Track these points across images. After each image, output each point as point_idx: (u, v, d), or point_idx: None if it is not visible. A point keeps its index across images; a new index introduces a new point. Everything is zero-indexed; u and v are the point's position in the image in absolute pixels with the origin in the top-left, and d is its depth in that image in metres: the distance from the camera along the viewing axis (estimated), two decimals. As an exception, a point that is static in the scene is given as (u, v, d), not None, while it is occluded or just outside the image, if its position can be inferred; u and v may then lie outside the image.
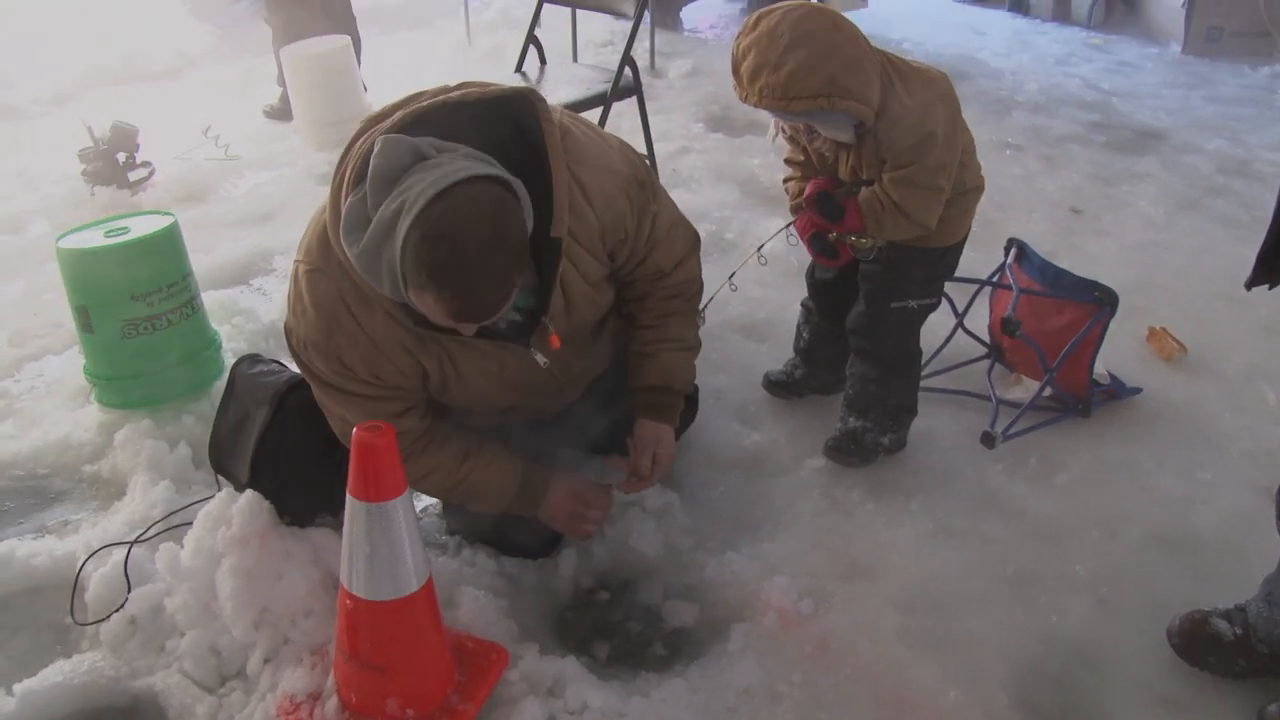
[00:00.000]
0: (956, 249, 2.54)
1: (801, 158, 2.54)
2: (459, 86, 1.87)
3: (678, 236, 2.24)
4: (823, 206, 2.43)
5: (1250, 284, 1.76)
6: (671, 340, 2.29)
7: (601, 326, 2.26)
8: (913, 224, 2.34)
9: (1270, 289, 1.77)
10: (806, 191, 2.46)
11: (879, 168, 2.32)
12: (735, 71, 2.21)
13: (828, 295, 2.76)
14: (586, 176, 1.95)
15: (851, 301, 2.61)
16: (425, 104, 1.81)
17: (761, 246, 2.73)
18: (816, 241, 2.52)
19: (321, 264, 1.89)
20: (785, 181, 2.62)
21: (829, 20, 2.16)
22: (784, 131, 2.47)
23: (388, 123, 1.76)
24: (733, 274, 2.73)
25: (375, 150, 1.67)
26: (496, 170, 1.72)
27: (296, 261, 1.96)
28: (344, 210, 1.72)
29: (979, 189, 2.49)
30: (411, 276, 1.66)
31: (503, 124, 1.85)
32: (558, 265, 1.92)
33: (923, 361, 2.73)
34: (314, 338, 1.92)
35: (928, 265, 2.49)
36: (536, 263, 1.90)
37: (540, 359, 2.08)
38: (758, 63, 2.14)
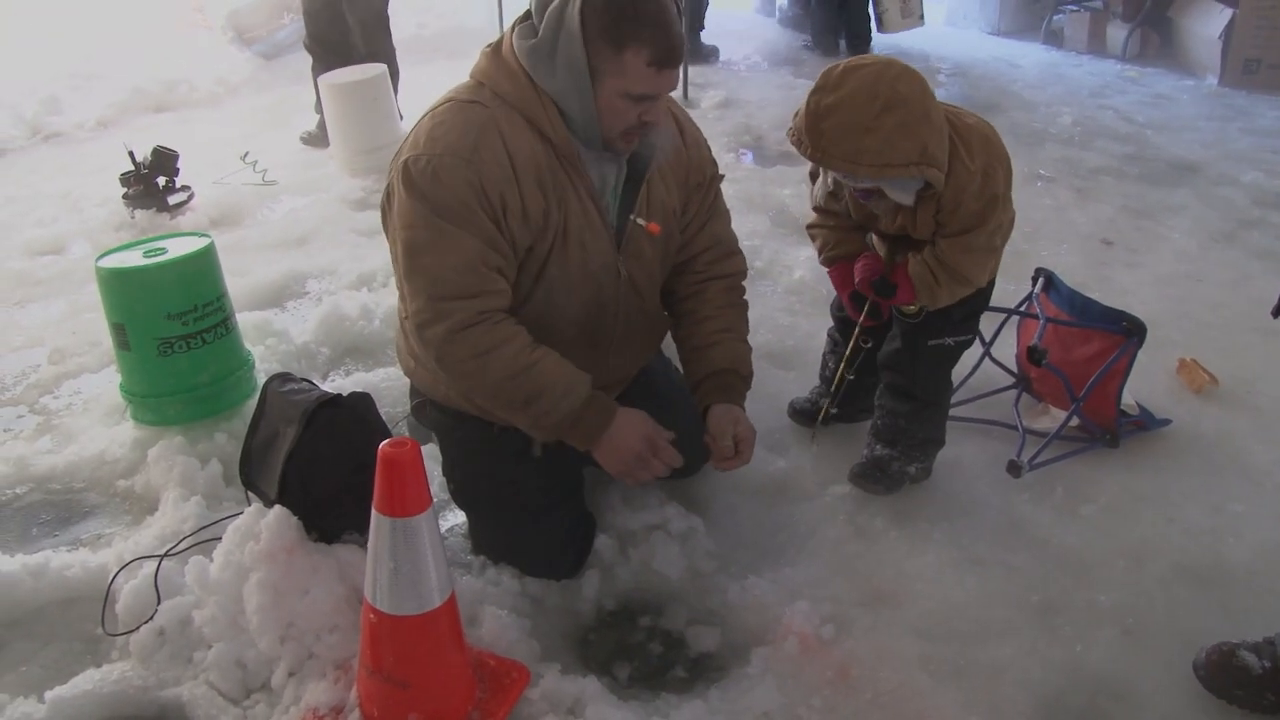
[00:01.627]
0: (992, 284, 2.52)
1: (836, 207, 2.48)
2: None
3: (728, 219, 2.43)
4: (880, 289, 2.40)
5: (1277, 312, 1.76)
6: (734, 330, 2.36)
7: (656, 296, 2.37)
8: (968, 287, 2.34)
9: (1297, 318, 1.77)
10: (858, 278, 2.43)
11: (932, 229, 2.29)
12: (812, 129, 2.10)
13: (853, 327, 2.70)
14: (683, 120, 2.25)
15: (885, 331, 2.60)
16: None
17: (826, 409, 2.72)
18: (858, 300, 2.50)
19: (474, 97, 2.01)
20: (812, 229, 2.59)
21: (920, 83, 2.10)
22: (829, 185, 2.41)
23: None
24: (814, 434, 2.81)
25: None
26: None
27: (434, 108, 2.05)
28: (515, 31, 1.97)
29: (1013, 219, 2.44)
30: (607, 40, 1.84)
31: None
32: (651, 162, 2.13)
33: (952, 390, 2.72)
34: (457, 147, 1.94)
35: (966, 302, 2.45)
36: (631, 168, 2.13)
37: (622, 269, 2.18)
38: (848, 124, 2.05)
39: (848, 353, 2.58)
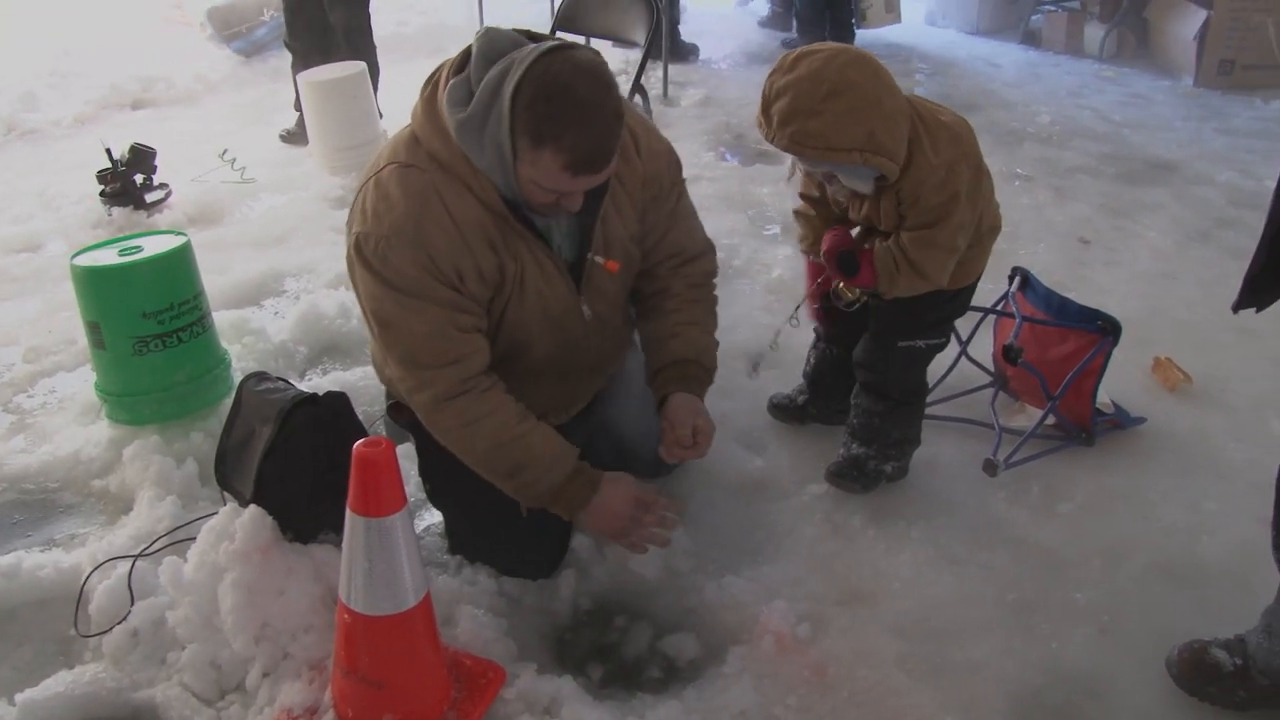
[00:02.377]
0: (970, 289, 2.51)
1: (817, 194, 2.50)
2: None
3: (697, 227, 2.36)
4: (842, 261, 2.38)
5: (1237, 307, 1.77)
6: (698, 322, 2.34)
7: (624, 313, 2.36)
8: (927, 283, 2.31)
9: (1258, 312, 1.78)
10: (825, 245, 2.41)
11: (896, 221, 2.28)
12: (765, 110, 2.13)
13: (836, 324, 2.74)
14: (638, 129, 2.14)
15: (862, 331, 2.59)
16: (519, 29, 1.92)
17: (797, 308, 2.73)
18: (823, 283, 2.56)
19: (411, 159, 1.94)
20: (797, 214, 2.60)
21: (872, 70, 2.08)
22: (799, 171, 2.40)
23: (482, 29, 1.89)
24: (775, 339, 2.79)
25: (479, 35, 1.82)
26: None
27: (374, 174, 1.97)
28: (446, 91, 1.84)
29: (996, 229, 2.44)
30: (527, 133, 1.75)
31: None
32: (603, 197, 2.06)
33: (928, 389, 2.72)
34: (402, 227, 1.90)
35: (939, 307, 2.45)
36: (584, 199, 1.99)
37: (586, 310, 2.16)
38: (793, 107, 2.06)
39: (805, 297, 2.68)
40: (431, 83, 1.95)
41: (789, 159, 2.34)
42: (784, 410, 2.95)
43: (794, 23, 7.41)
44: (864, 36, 7.30)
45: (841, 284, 2.44)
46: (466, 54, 1.87)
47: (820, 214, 2.53)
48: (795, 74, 2.06)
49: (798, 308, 2.70)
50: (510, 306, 2.07)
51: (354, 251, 1.96)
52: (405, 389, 2.06)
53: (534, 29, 1.97)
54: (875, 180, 2.19)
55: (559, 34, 4.20)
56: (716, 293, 2.44)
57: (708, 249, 2.40)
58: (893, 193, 2.22)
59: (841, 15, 7.10)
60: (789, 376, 3.03)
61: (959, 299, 2.50)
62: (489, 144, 1.80)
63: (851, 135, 2.04)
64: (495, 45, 1.81)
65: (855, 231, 2.43)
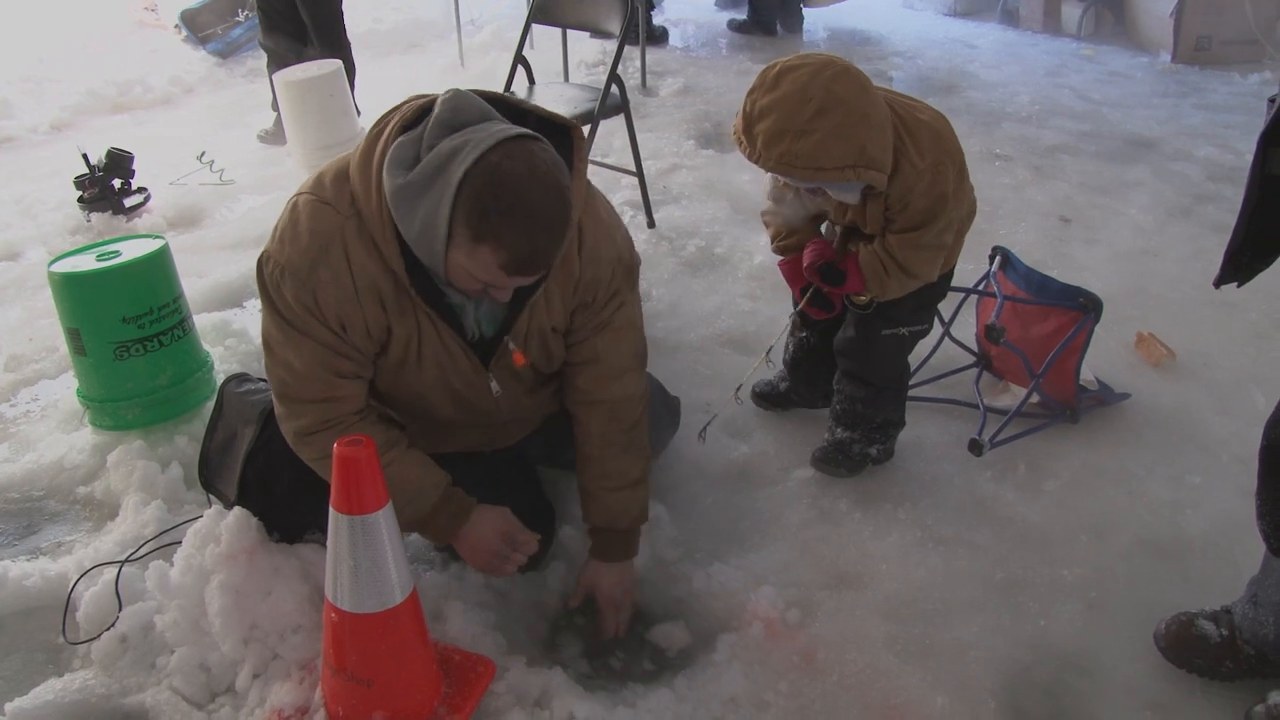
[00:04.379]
0: (950, 273, 2.51)
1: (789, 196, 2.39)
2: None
3: (629, 340, 2.14)
4: (826, 275, 2.37)
5: (1219, 282, 1.78)
6: (610, 476, 2.19)
7: (549, 387, 2.25)
8: (917, 281, 2.31)
9: (1239, 286, 1.79)
10: (806, 260, 2.40)
11: (883, 224, 2.26)
12: (748, 130, 2.06)
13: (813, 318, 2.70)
14: (589, 229, 1.96)
15: (839, 319, 2.58)
16: (493, 94, 1.83)
17: (769, 350, 2.73)
18: (814, 296, 2.50)
19: (332, 199, 1.84)
20: (765, 215, 2.49)
21: (858, 84, 2.03)
22: (777, 182, 2.28)
23: (451, 91, 1.77)
24: (739, 387, 2.78)
25: (444, 97, 1.71)
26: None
27: (298, 195, 1.89)
28: (393, 147, 1.72)
29: (972, 213, 2.43)
30: (468, 225, 1.65)
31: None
32: (536, 289, 1.93)
33: (910, 373, 2.72)
34: (296, 264, 1.83)
35: (921, 293, 2.42)
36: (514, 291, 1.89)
37: (495, 387, 2.09)
38: (779, 127, 1.99)
39: (788, 328, 2.66)
40: (379, 125, 1.82)
41: (768, 179, 2.28)
42: (767, 398, 2.94)
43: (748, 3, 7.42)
44: (839, 24, 7.30)
45: (848, 294, 2.42)
46: (424, 109, 1.76)
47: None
48: (779, 91, 2.00)
49: (759, 366, 2.68)
50: (408, 372, 2.02)
51: (256, 268, 1.92)
52: (277, 414, 2.04)
53: (504, 93, 1.88)
54: (862, 190, 2.16)
55: (534, 26, 4.22)
56: (638, 415, 2.22)
57: (631, 367, 2.17)
58: (880, 199, 2.19)
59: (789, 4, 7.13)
60: (744, 432, 2.94)
61: (940, 284, 2.48)
62: (422, 219, 1.70)
63: (842, 153, 1.99)
64: (460, 114, 1.71)
65: (825, 228, 2.42)
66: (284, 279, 1.85)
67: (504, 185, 1.63)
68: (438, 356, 2.00)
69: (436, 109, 1.71)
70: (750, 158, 2.08)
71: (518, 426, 2.32)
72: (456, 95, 1.72)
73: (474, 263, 1.71)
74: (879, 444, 2.65)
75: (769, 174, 2.26)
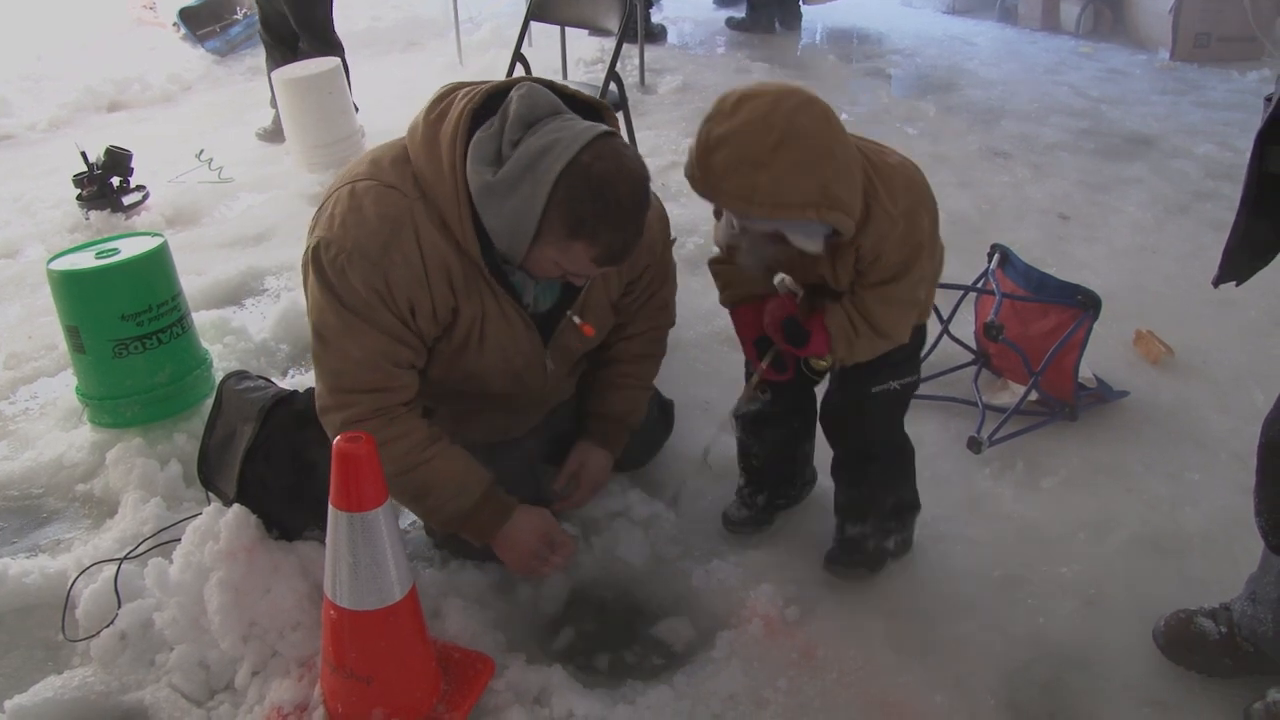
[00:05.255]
0: (922, 326, 2.22)
1: (742, 251, 2.06)
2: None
3: (671, 276, 2.35)
4: (790, 333, 2.12)
5: (1217, 281, 1.78)
6: (637, 376, 2.36)
7: (586, 355, 2.32)
8: (888, 342, 2.06)
9: (1237, 285, 1.79)
10: (768, 317, 2.13)
11: (852, 277, 2.02)
12: (701, 161, 1.79)
13: (781, 392, 2.34)
14: None
15: (804, 387, 2.34)
16: (534, 78, 1.88)
17: (738, 406, 2.38)
18: (763, 347, 2.20)
19: (395, 182, 1.86)
20: (714, 265, 2.23)
21: (824, 116, 1.80)
22: (733, 227, 1.93)
23: (502, 81, 1.86)
24: (707, 450, 2.62)
25: (520, 93, 1.76)
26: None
27: (354, 181, 1.88)
28: (474, 142, 1.78)
29: (942, 257, 2.15)
30: (564, 224, 1.74)
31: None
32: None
33: (912, 445, 2.42)
34: (366, 246, 1.83)
35: (908, 343, 2.16)
36: None
37: (549, 364, 2.15)
38: (738, 158, 1.75)
39: (746, 391, 2.30)
40: (439, 110, 1.85)
41: (719, 224, 2.01)
42: (746, 524, 2.51)
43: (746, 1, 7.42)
44: (834, 21, 7.30)
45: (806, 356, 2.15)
46: (494, 100, 1.81)
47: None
48: (737, 120, 1.76)
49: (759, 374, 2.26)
50: (469, 353, 2.03)
51: (310, 256, 1.90)
52: (320, 406, 2.00)
53: (554, 78, 1.94)
54: (826, 238, 1.91)
55: (532, 23, 4.22)
56: (671, 318, 2.45)
57: (672, 297, 2.41)
58: (850, 250, 1.95)
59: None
60: None
61: (920, 331, 2.22)
62: (510, 215, 1.75)
63: (804, 190, 1.76)
64: (535, 109, 1.76)
65: (779, 281, 2.17)
66: (351, 263, 1.84)
67: (599, 186, 1.73)
68: (500, 336, 2.03)
69: (514, 104, 1.76)
70: (702, 193, 1.83)
71: (536, 410, 2.37)
72: (531, 90, 1.78)
73: (566, 257, 1.80)
74: (896, 534, 2.37)
75: (721, 222, 2.00)
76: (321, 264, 1.87)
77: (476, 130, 1.82)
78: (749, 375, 2.32)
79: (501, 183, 1.75)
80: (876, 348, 2.07)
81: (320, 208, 1.94)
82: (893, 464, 2.34)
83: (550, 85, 1.87)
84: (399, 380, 1.97)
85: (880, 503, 2.33)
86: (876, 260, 1.96)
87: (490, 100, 1.82)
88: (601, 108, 1.93)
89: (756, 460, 2.47)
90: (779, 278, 2.16)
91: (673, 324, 2.43)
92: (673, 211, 4.25)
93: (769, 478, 2.49)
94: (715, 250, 2.19)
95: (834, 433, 2.32)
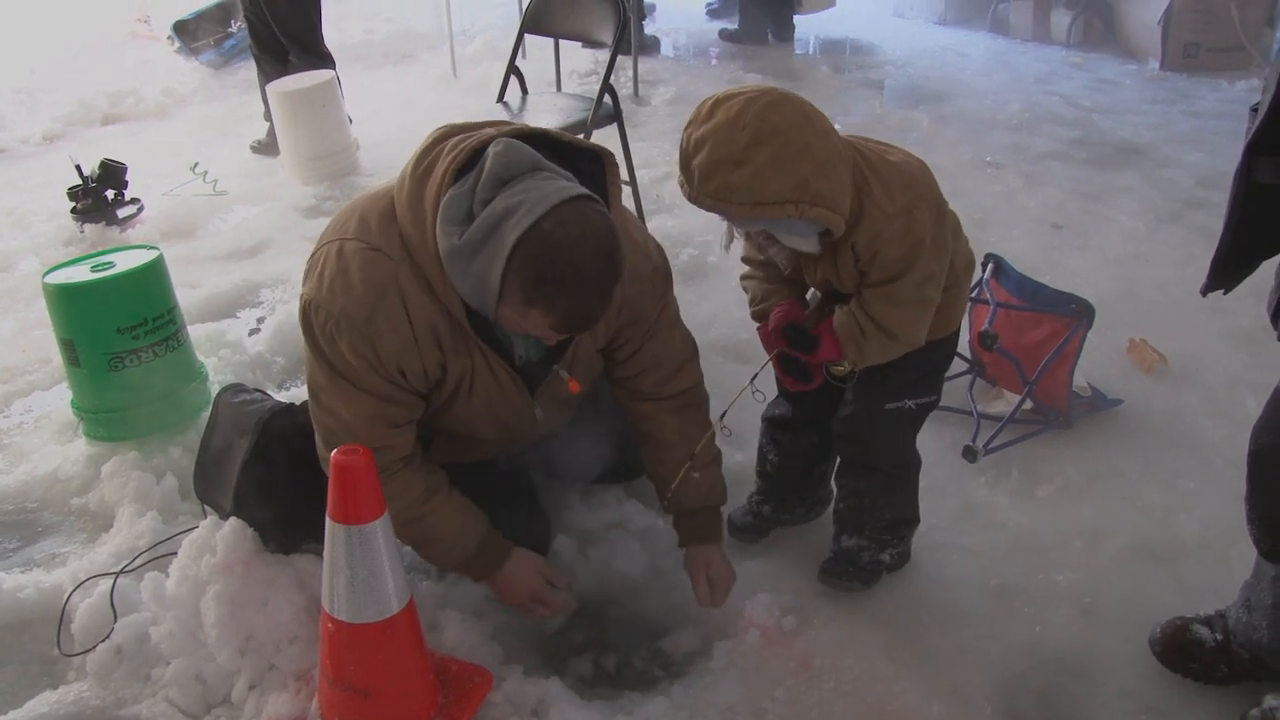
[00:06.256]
0: (954, 336, 2.23)
1: (762, 256, 2.11)
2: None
3: (677, 335, 2.20)
4: (793, 340, 2.08)
5: (1206, 290, 1.79)
6: (696, 457, 2.20)
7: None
8: (900, 345, 2.03)
9: (1225, 294, 1.80)
10: (772, 323, 2.11)
11: (858, 279, 2.00)
12: (685, 166, 1.83)
13: (804, 400, 2.35)
14: (627, 252, 1.88)
15: (830, 402, 2.30)
16: (527, 128, 1.81)
17: (754, 377, 2.23)
18: (786, 362, 2.15)
19: (382, 244, 1.82)
20: (744, 280, 2.27)
21: (799, 112, 1.79)
22: (737, 235, 2.03)
23: (492, 131, 1.77)
24: (723, 416, 2.26)
25: (496, 150, 1.68)
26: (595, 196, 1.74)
27: (343, 239, 1.84)
28: (445, 201, 1.70)
29: (970, 265, 2.18)
30: (519, 289, 1.65)
31: (578, 172, 1.80)
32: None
33: (920, 462, 2.41)
34: (353, 315, 1.81)
35: (926, 358, 2.15)
36: None
37: (539, 413, 2.13)
38: (715, 159, 1.76)
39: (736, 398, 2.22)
40: (426, 164, 1.79)
41: (724, 229, 2.05)
42: (748, 530, 2.52)
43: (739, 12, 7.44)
44: (825, 31, 7.33)
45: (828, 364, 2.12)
46: (475, 152, 1.73)
47: (769, 274, 2.20)
48: (713, 122, 1.79)
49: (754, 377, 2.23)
50: (457, 405, 2.03)
51: (301, 314, 1.90)
52: (320, 457, 2.02)
53: (551, 132, 1.84)
54: (820, 237, 1.92)
55: (526, 36, 4.23)
56: (704, 394, 2.29)
57: (687, 357, 2.23)
58: (848, 249, 1.94)
59: (779, 12, 7.15)
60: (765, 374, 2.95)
61: (944, 347, 2.23)
62: (474, 277, 1.69)
63: (780, 186, 1.76)
64: (511, 166, 1.67)
65: (811, 295, 2.18)
66: (339, 331, 1.83)
67: (557, 254, 1.63)
68: (488, 390, 2.02)
69: (489, 162, 1.67)
70: (689, 197, 1.85)
71: (528, 441, 2.34)
72: (508, 147, 1.69)
73: (525, 321, 1.72)
74: (892, 548, 2.37)
75: (726, 231, 2.06)
76: (312, 326, 1.87)
77: None
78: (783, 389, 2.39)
79: (465, 245, 1.68)
80: (888, 349, 2.03)
81: (312, 257, 1.91)
82: (895, 478, 2.32)
83: (544, 135, 1.80)
84: (392, 439, 1.97)
85: (879, 515, 2.32)
86: (875, 258, 1.93)
87: (475, 156, 1.74)
88: (602, 156, 1.85)
89: (771, 467, 2.48)
90: (811, 292, 2.19)
91: (700, 389, 2.27)
92: (667, 223, 4.31)
93: (780, 487, 2.49)
94: (709, 260, 2.19)
95: (842, 441, 2.30)
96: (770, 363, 2.18)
